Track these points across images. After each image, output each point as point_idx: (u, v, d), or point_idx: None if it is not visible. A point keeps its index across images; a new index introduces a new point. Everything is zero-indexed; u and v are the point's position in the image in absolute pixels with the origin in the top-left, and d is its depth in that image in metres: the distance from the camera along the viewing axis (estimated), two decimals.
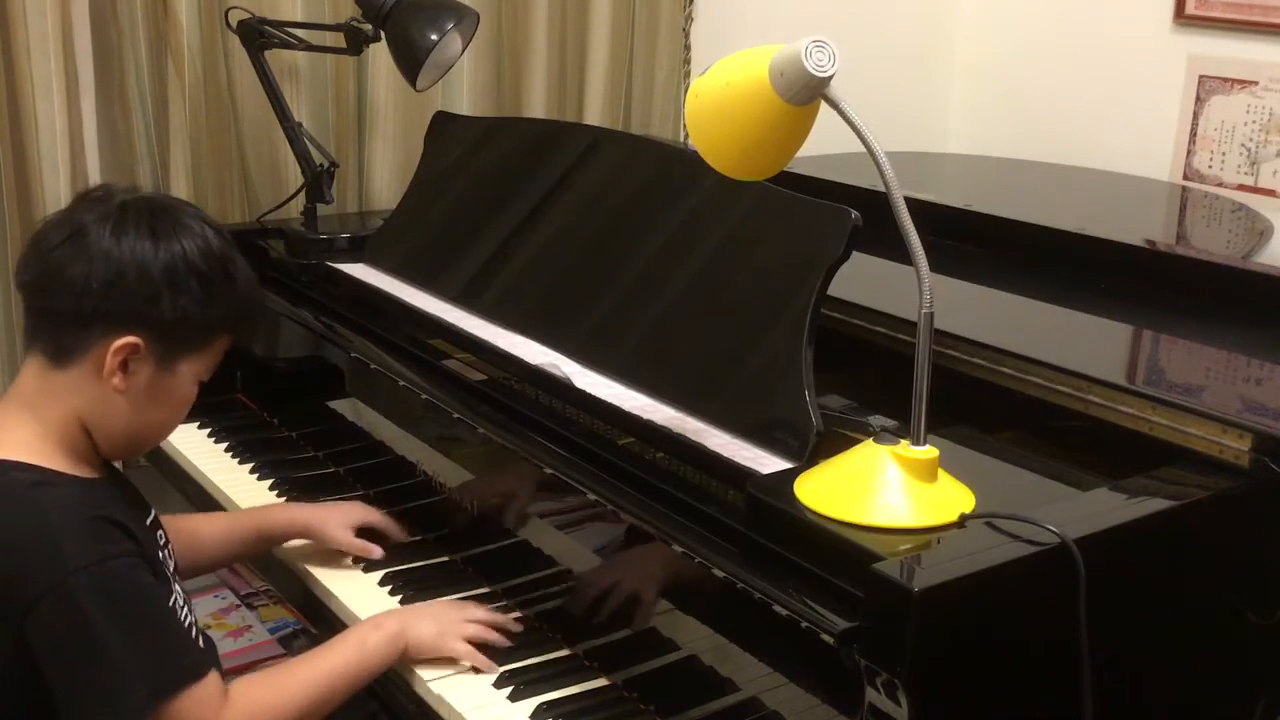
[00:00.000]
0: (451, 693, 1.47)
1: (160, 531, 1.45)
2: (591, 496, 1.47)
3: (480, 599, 1.64)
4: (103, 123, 2.32)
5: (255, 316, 1.48)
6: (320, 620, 1.71)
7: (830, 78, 1.25)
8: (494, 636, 1.53)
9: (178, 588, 1.42)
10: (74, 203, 1.41)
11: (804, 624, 1.19)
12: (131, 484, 1.48)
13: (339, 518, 1.74)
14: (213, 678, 1.33)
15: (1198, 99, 2.90)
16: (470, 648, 1.50)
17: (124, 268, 1.32)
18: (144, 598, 1.31)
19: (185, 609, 1.43)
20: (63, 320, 1.34)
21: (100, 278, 1.31)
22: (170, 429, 1.46)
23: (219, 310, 1.38)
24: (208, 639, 1.51)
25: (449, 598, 1.64)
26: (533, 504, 1.61)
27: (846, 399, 1.61)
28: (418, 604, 1.61)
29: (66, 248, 1.33)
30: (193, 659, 1.33)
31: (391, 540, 1.76)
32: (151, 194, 1.45)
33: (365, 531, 1.76)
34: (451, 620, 1.52)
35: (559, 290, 1.83)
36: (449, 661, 1.51)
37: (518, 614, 1.59)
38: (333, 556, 1.75)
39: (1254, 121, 2.83)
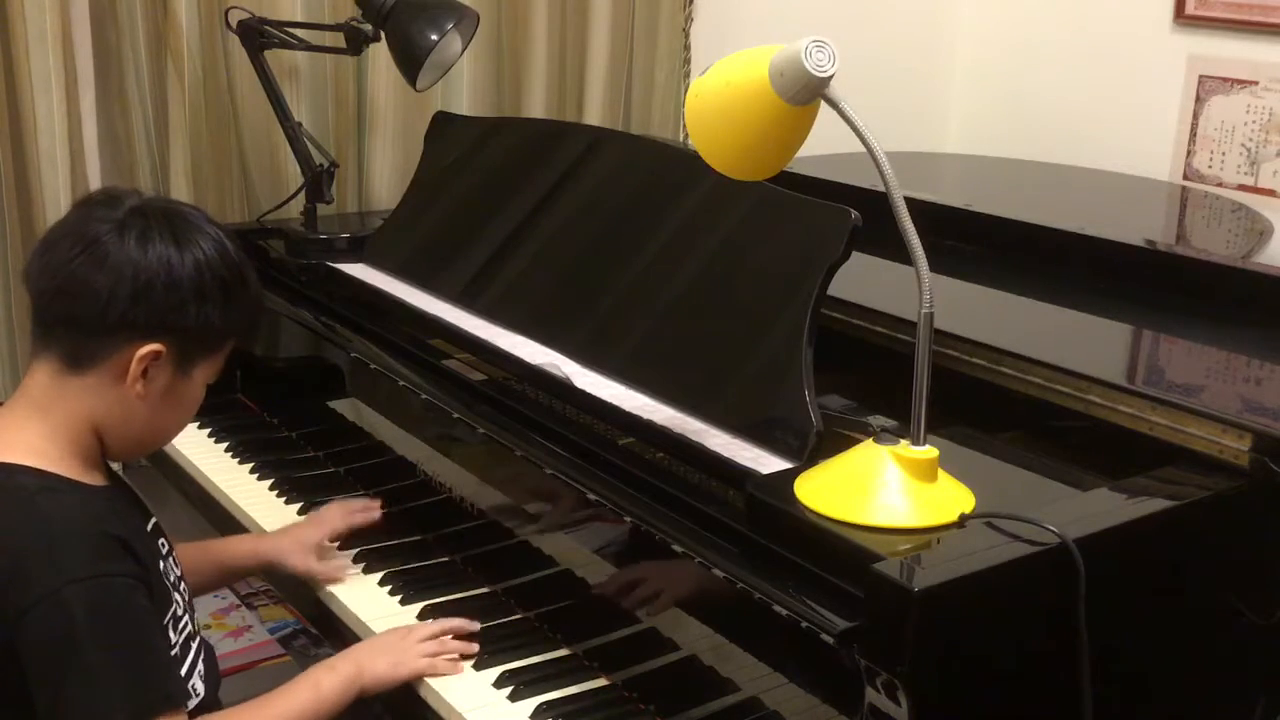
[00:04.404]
0: (452, 693, 1.47)
1: (162, 539, 1.45)
2: (591, 496, 1.47)
3: (480, 599, 1.64)
4: (102, 122, 2.32)
5: (261, 319, 1.48)
6: (320, 621, 1.71)
7: (830, 78, 1.25)
8: (453, 645, 1.52)
9: (178, 596, 1.42)
10: (80, 209, 1.39)
11: (804, 624, 1.19)
12: (133, 489, 1.48)
13: (295, 546, 1.72)
14: (183, 714, 1.32)
15: (1198, 99, 2.90)
16: (430, 660, 1.49)
17: (152, 277, 1.32)
18: (134, 620, 1.29)
19: (185, 618, 1.43)
20: (84, 328, 1.32)
21: (128, 287, 1.31)
22: (180, 430, 1.46)
23: (235, 315, 1.39)
24: (209, 647, 1.51)
25: (449, 596, 1.64)
26: (533, 504, 1.61)
27: (846, 399, 1.61)
28: (370, 639, 1.55)
29: (87, 257, 1.31)
30: (172, 690, 1.32)
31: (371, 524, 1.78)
32: (159, 198, 1.44)
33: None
34: (404, 649, 1.50)
35: (559, 290, 1.83)
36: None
37: (478, 625, 1.57)
38: (333, 558, 1.75)
39: (1254, 121, 2.83)
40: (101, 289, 1.31)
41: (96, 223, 1.33)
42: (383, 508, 1.81)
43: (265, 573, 1.81)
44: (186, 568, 1.52)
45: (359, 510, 1.78)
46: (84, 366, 1.33)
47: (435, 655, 1.50)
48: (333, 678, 1.45)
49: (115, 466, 1.48)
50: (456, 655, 1.51)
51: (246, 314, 1.42)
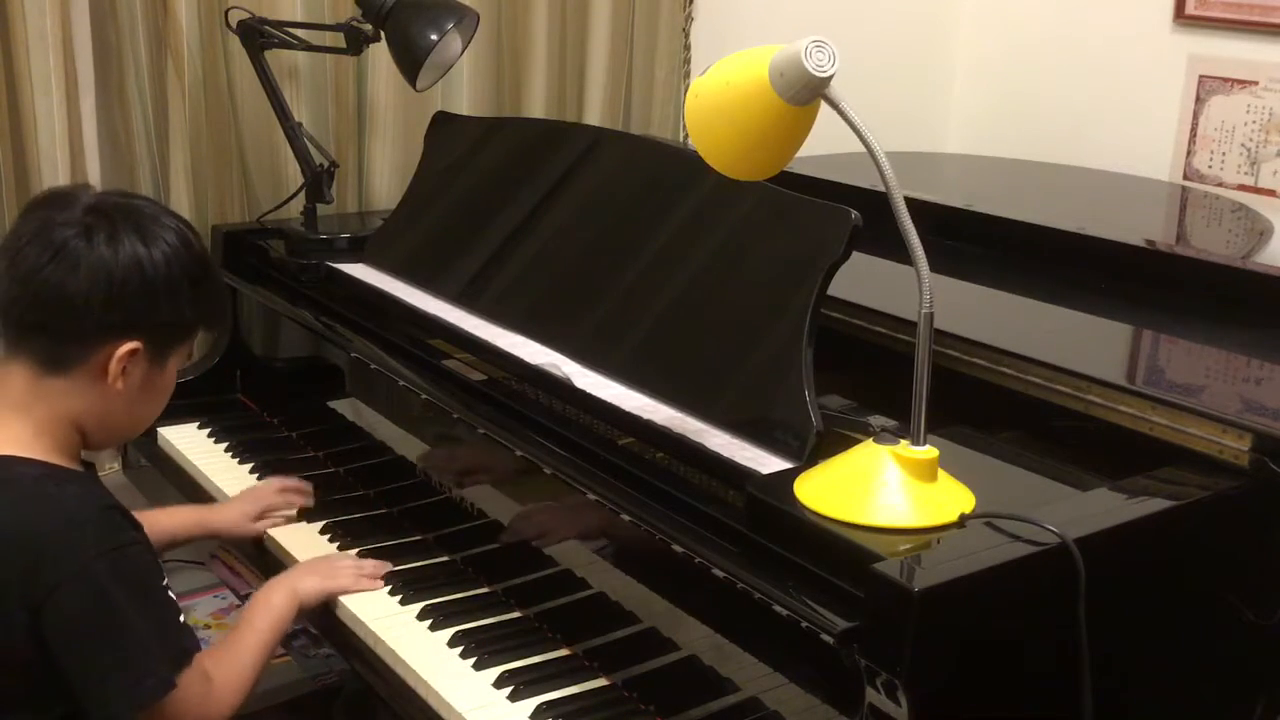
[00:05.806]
0: (452, 693, 1.47)
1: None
2: (591, 496, 1.47)
3: (480, 599, 1.64)
4: (102, 122, 2.31)
5: (226, 307, 1.52)
6: (320, 620, 1.71)
7: (830, 78, 1.25)
8: (370, 566, 1.68)
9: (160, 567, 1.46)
10: (35, 212, 1.38)
11: (804, 624, 1.19)
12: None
13: (236, 516, 1.83)
14: (198, 657, 1.39)
15: (1198, 99, 2.90)
16: (351, 578, 1.65)
17: (126, 278, 1.34)
18: (155, 582, 1.36)
19: (169, 587, 1.47)
20: (61, 333, 1.35)
21: (103, 291, 1.33)
22: (156, 416, 1.50)
23: (204, 304, 1.43)
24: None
25: (449, 596, 1.64)
26: (533, 504, 1.61)
27: (846, 399, 1.61)
28: (298, 565, 1.69)
29: (58, 264, 1.32)
30: (191, 640, 1.39)
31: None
32: (112, 192, 1.47)
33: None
34: (329, 568, 1.66)
35: (559, 290, 1.83)
36: (447, 659, 1.52)
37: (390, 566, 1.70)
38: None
39: (1254, 121, 2.83)
40: (77, 295, 1.32)
41: (60, 227, 1.34)
42: (384, 508, 1.82)
43: (264, 562, 1.85)
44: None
45: (291, 488, 1.86)
46: (62, 368, 1.36)
47: (355, 577, 1.65)
48: (281, 599, 1.57)
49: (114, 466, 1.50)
50: (377, 578, 1.66)
51: (213, 301, 1.48)
